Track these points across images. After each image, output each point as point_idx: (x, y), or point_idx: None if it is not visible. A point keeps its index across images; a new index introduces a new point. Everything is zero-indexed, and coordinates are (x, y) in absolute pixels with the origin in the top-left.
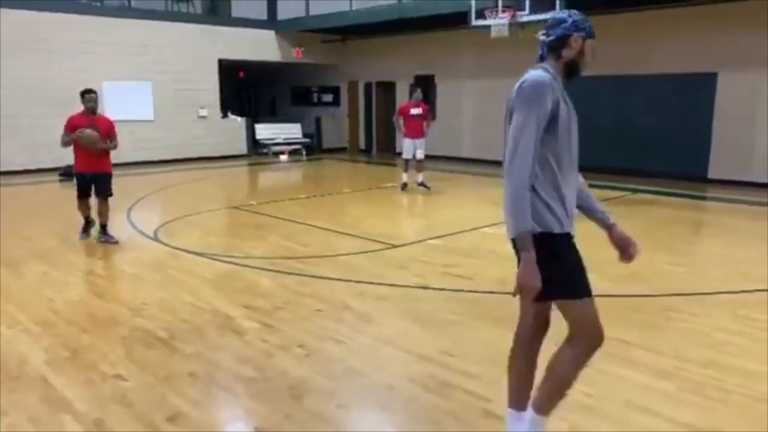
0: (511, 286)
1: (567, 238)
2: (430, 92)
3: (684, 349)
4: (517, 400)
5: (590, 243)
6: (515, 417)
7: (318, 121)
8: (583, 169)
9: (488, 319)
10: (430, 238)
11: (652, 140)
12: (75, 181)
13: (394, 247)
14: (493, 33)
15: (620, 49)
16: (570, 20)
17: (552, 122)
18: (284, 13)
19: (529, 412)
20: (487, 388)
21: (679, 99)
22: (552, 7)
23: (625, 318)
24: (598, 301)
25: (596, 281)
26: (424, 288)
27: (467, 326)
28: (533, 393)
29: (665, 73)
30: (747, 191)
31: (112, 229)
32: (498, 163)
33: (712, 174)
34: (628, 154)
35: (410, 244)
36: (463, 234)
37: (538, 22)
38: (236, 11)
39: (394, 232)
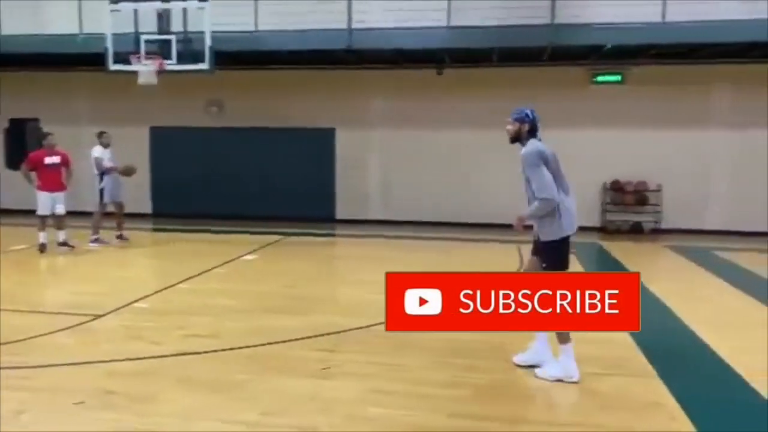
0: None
1: None
2: (30, 138)
3: None
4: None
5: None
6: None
7: None
8: (232, 217)
9: (273, 371)
10: (132, 302)
11: (290, 188)
12: None
13: (98, 317)
14: (141, 80)
15: (259, 104)
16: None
17: None
18: None
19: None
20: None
21: (310, 150)
22: (201, 60)
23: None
24: None
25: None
26: (182, 354)
27: (261, 381)
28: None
29: (298, 127)
30: (364, 228)
31: None
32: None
33: (339, 215)
34: (269, 202)
35: (114, 311)
36: (162, 293)
37: (187, 72)
38: None
39: (74, 300)
